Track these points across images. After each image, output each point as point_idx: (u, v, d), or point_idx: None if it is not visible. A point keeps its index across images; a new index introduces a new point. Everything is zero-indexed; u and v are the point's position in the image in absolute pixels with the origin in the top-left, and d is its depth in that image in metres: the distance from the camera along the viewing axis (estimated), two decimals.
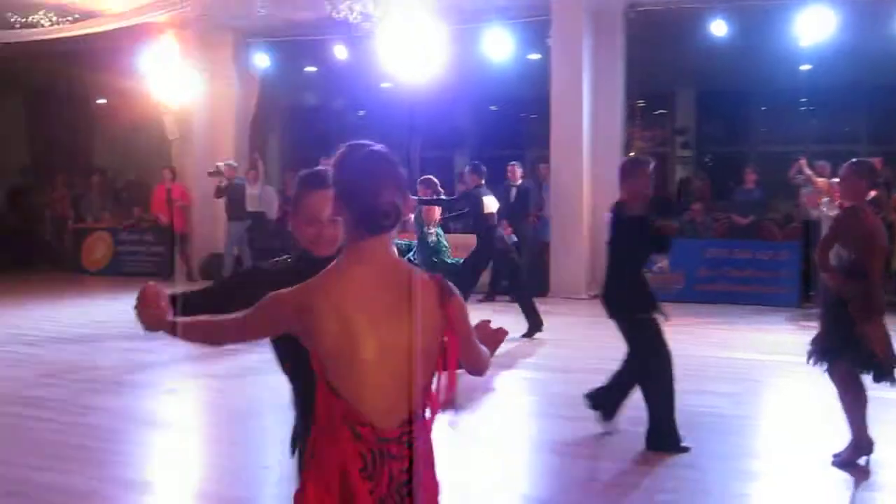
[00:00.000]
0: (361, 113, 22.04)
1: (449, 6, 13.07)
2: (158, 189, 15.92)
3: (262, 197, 15.01)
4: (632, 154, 6.54)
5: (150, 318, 2.58)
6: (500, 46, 14.10)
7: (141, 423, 7.10)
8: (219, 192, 14.19)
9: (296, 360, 2.77)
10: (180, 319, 2.61)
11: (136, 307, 2.60)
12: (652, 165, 6.26)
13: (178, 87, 14.60)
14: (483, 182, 10.80)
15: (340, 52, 14.91)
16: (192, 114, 15.41)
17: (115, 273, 16.46)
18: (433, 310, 2.42)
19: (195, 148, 15.75)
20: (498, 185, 13.49)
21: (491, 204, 10.64)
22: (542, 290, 13.35)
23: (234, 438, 6.65)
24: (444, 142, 19.88)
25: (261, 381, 8.21)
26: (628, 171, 6.20)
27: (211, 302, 2.77)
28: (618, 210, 6.16)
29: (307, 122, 21.06)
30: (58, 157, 21.16)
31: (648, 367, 5.97)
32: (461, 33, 13.78)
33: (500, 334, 2.71)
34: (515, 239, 12.76)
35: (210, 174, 14.09)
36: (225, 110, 15.88)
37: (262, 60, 15.99)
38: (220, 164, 14.20)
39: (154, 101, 14.97)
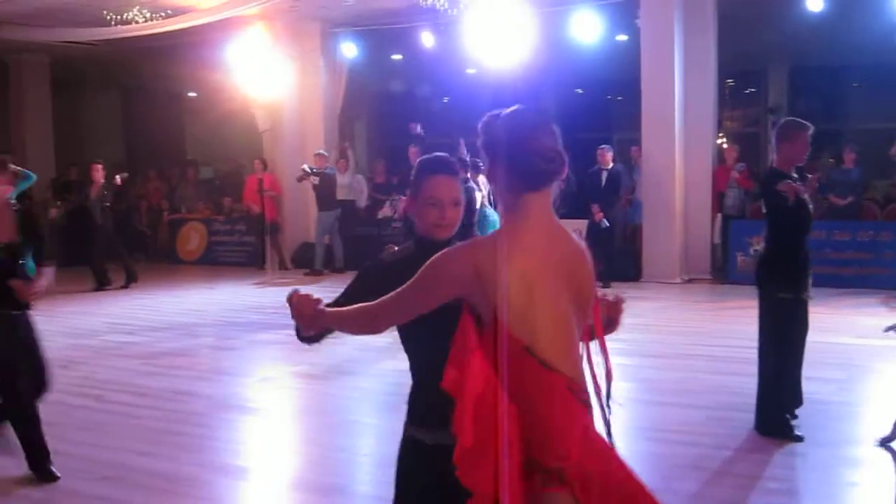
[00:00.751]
0: (446, 99, 22.04)
1: None
2: (250, 180, 16.14)
3: (352, 185, 15.13)
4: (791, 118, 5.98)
5: (308, 317, 2.61)
6: (588, 29, 13.88)
7: (237, 410, 7.21)
8: (317, 188, 14.32)
9: (417, 339, 2.84)
10: (332, 310, 2.65)
11: (293, 313, 2.64)
12: (811, 131, 5.74)
13: (268, 78, 14.76)
14: (469, 175, 10.65)
15: (427, 39, 14.87)
16: (281, 105, 15.55)
17: (209, 262, 16.78)
18: (591, 273, 2.42)
19: (285, 138, 15.90)
20: (588, 168, 13.34)
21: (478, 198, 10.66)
22: (635, 275, 13.18)
23: (328, 426, 6.72)
24: None
25: (355, 370, 8.29)
26: (786, 133, 5.74)
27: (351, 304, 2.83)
28: (770, 177, 5.74)
29: (393, 109, 21.12)
30: (151, 150, 21.71)
31: (768, 348, 5.77)
32: (548, 16, 13.64)
33: (619, 303, 2.66)
34: (607, 224, 12.61)
35: (299, 179, 14.16)
36: (313, 100, 16.01)
37: (349, 49, 16.06)
38: (306, 166, 14.28)
39: (244, 93, 15.17)
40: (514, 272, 2.23)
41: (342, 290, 3.03)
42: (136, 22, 13.91)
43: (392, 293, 2.46)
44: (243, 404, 7.41)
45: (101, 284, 13.73)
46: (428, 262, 2.38)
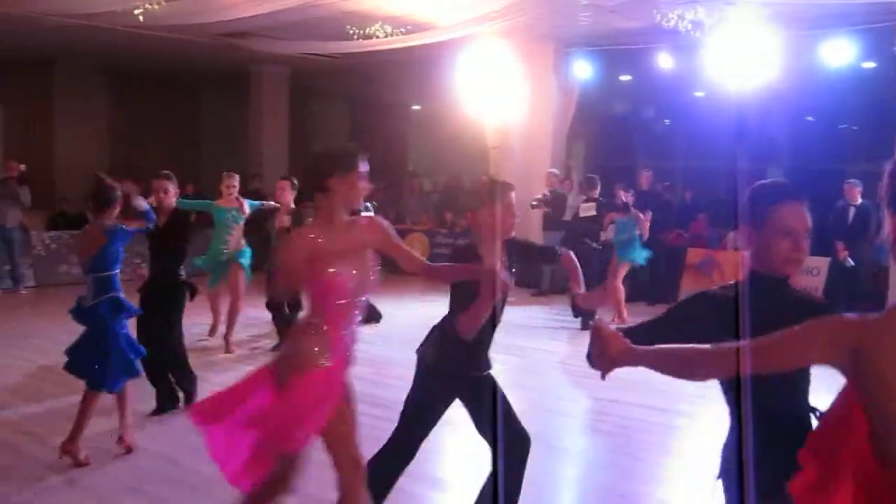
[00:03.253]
0: (667, 122, 21.61)
1: (787, 14, 12.38)
2: None
3: (576, 206, 14.92)
4: None
5: (609, 358, 2.43)
6: (837, 54, 13.16)
7: (451, 424, 7.21)
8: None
9: (738, 391, 2.60)
10: (646, 348, 2.41)
11: (596, 349, 2.47)
12: None
13: (500, 95, 14.80)
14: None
15: (664, 60, 14.51)
16: (511, 122, 15.53)
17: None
18: None
19: (513, 156, 15.89)
20: (819, 200, 12.52)
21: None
22: None
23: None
24: (758, 153, 19.03)
25: (563, 395, 8.11)
26: None
27: (656, 336, 2.62)
28: None
29: (614, 130, 20.89)
30: (374, 161, 22.30)
31: None
32: (795, 41, 13.02)
33: None
34: (852, 263, 11.89)
35: (533, 206, 13.94)
36: (543, 119, 15.90)
37: (581, 70, 15.90)
38: (541, 195, 14.09)
39: (472, 108, 15.27)
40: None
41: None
42: (377, 37, 14.27)
43: (766, 338, 2.17)
44: (459, 418, 7.42)
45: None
46: (812, 320, 2.12)
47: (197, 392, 7.39)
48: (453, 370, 4.60)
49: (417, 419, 4.77)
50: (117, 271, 6.07)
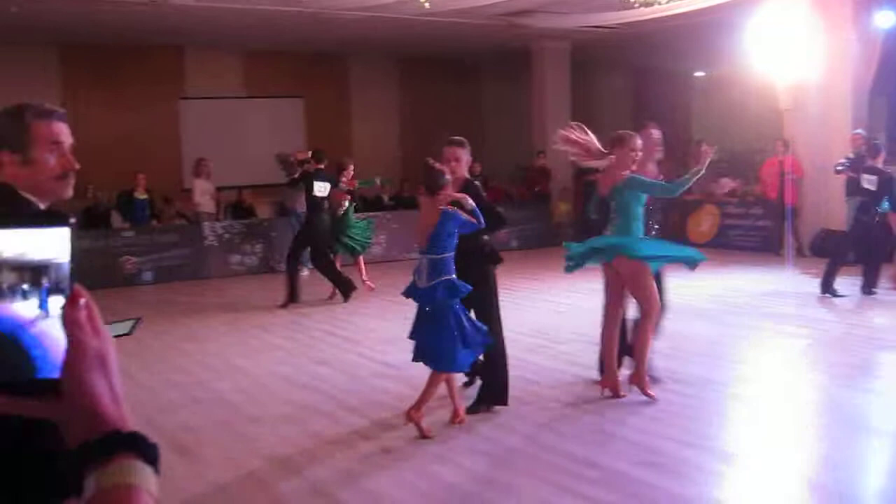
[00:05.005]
0: None
1: None
2: (770, 161, 15.52)
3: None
4: None
5: None
6: None
7: (740, 398, 6.98)
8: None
9: None
10: None
11: None
12: None
13: (792, 53, 13.99)
14: (322, 167, 12.00)
15: None
16: (804, 82, 14.61)
17: (720, 246, 16.35)
18: None
19: (808, 118, 14.97)
20: None
21: (320, 189, 11.85)
22: None
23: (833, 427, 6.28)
24: None
25: (880, 373, 7.56)
26: None
27: None
28: None
29: None
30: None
31: None
32: None
33: None
34: None
35: (838, 171, 12.85)
36: (841, 76, 14.80)
37: (883, 19, 14.67)
38: (845, 158, 12.94)
39: (762, 70, 14.53)
40: None
41: None
42: (659, 3, 13.93)
43: None
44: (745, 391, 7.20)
45: None
46: None
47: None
48: None
49: None
50: (451, 254, 6.13)
